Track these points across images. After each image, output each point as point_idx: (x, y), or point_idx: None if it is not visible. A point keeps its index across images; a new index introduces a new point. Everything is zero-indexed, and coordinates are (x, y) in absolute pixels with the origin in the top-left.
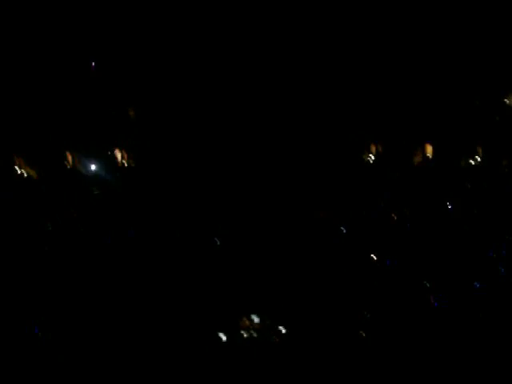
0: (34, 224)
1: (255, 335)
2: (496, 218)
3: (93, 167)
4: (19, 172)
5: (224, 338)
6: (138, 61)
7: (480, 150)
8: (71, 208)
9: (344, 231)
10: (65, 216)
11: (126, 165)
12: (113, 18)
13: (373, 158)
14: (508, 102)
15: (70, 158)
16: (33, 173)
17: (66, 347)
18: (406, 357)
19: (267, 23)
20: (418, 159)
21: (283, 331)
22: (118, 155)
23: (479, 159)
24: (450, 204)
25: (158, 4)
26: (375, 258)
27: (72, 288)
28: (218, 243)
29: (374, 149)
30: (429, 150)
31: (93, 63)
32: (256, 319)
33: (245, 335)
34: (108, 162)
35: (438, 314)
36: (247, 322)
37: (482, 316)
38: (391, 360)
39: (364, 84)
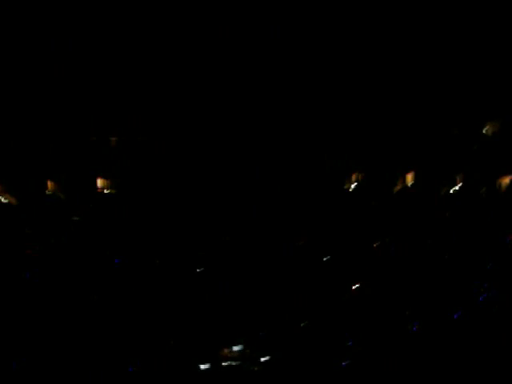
0: (12, 251)
1: (234, 364)
2: (476, 246)
3: (73, 194)
4: None
5: (203, 367)
6: (119, 85)
7: (459, 179)
8: (50, 235)
9: (324, 259)
10: (44, 243)
11: (106, 192)
12: (89, 42)
13: (353, 186)
14: (485, 131)
15: (49, 184)
16: (12, 199)
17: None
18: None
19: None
20: (398, 188)
21: (263, 360)
22: (99, 182)
23: (458, 188)
24: (431, 232)
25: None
26: (356, 286)
27: (51, 316)
28: (198, 271)
29: (354, 177)
30: (409, 178)
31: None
32: (235, 348)
33: (224, 364)
34: (88, 188)
35: (419, 342)
36: (226, 351)
37: (463, 346)
38: None
39: (344, 112)
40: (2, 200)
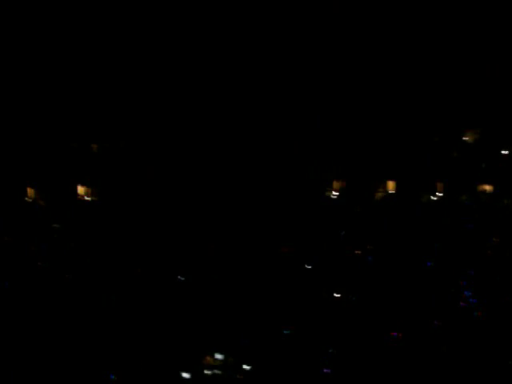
0: None
1: (219, 373)
2: (458, 252)
3: (54, 201)
4: None
5: (186, 375)
6: (100, 92)
7: (440, 186)
8: (31, 243)
9: (308, 267)
10: (24, 250)
11: (87, 199)
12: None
13: (336, 194)
14: (466, 138)
15: (29, 191)
16: None
17: None
18: None
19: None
20: (379, 195)
21: (246, 368)
22: (80, 189)
23: (440, 194)
24: (413, 239)
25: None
26: (338, 293)
27: (28, 324)
28: (182, 279)
29: (336, 185)
30: (391, 186)
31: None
32: (219, 356)
33: (208, 373)
34: (69, 196)
35: (400, 349)
36: (210, 360)
37: (445, 350)
38: None
39: (325, 121)
40: None
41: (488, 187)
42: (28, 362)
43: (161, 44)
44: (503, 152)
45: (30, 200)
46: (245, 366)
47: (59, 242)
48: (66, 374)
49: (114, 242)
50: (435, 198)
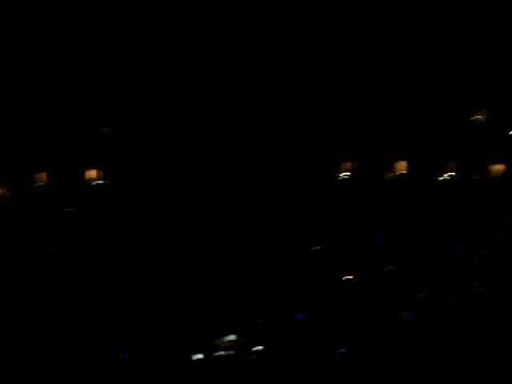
0: (5, 241)
1: (232, 353)
2: (469, 232)
3: (65, 185)
4: None
5: (196, 357)
6: (111, 76)
7: (452, 166)
8: (45, 226)
9: (318, 249)
10: (37, 233)
11: (98, 183)
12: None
13: (346, 175)
14: (477, 117)
15: (41, 175)
16: (4, 191)
17: None
18: (379, 371)
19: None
20: (390, 175)
21: (259, 349)
22: (91, 173)
23: (451, 174)
24: (424, 219)
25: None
26: (349, 276)
27: (45, 307)
28: (192, 261)
29: (347, 166)
30: (401, 166)
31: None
32: (232, 337)
33: (222, 353)
34: (80, 180)
35: (412, 329)
36: (224, 341)
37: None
38: (365, 374)
39: (338, 102)
40: None
41: (500, 167)
42: (37, 343)
43: (168, 33)
44: None
45: (43, 184)
46: (255, 348)
47: (71, 227)
48: (78, 354)
49: (126, 225)
50: (447, 178)
